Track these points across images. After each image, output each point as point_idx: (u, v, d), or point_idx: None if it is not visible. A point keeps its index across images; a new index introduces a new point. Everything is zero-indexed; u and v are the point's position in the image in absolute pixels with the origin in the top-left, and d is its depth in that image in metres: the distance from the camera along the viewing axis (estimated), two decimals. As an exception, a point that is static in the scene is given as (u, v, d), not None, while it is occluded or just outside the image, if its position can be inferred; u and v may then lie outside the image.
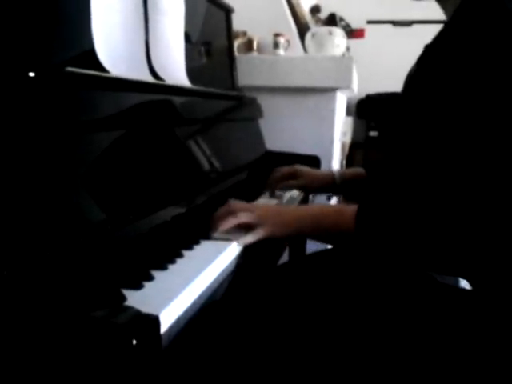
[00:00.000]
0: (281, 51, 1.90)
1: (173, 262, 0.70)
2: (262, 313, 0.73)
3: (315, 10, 2.58)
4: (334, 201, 1.90)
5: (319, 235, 0.86)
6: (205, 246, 0.79)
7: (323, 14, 2.59)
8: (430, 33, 0.87)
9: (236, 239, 0.81)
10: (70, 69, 0.78)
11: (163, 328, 0.54)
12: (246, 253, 0.83)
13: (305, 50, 2.01)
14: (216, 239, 0.82)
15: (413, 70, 0.86)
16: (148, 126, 0.90)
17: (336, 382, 0.66)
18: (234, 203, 0.89)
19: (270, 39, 1.92)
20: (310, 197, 1.42)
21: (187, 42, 1.22)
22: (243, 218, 0.83)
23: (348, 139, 2.59)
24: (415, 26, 3.60)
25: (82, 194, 0.68)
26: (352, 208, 0.78)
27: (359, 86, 2.23)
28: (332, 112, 1.86)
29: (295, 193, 1.30)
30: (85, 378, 0.45)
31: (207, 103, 1.24)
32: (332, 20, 2.42)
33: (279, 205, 1.18)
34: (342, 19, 2.54)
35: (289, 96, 1.85)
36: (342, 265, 0.85)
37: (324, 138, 1.86)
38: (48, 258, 0.56)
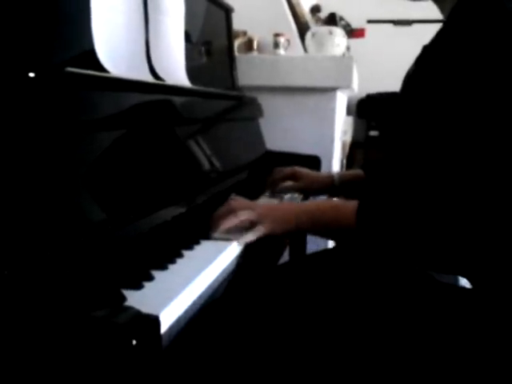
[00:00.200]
0: (281, 51, 1.90)
1: (173, 261, 0.70)
2: (262, 313, 0.73)
3: (315, 9, 2.57)
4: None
5: (319, 231, 0.86)
6: (205, 246, 0.79)
7: (323, 14, 2.58)
8: (431, 32, 0.87)
9: (236, 238, 0.81)
10: (70, 69, 0.78)
11: (163, 328, 0.54)
12: (247, 252, 0.83)
13: (305, 49, 2.01)
14: (216, 239, 0.82)
15: (411, 71, 0.86)
16: (148, 126, 0.91)
17: (336, 381, 0.66)
18: (235, 201, 0.89)
19: (270, 39, 1.92)
20: (310, 198, 1.42)
21: (187, 41, 1.22)
22: (243, 216, 0.83)
23: (348, 139, 2.59)
24: (416, 26, 3.60)
25: (83, 193, 0.68)
26: (352, 203, 0.78)
27: (359, 85, 2.23)
28: (332, 112, 1.86)
29: (295, 194, 1.30)
30: (85, 378, 0.45)
31: (207, 103, 1.24)
32: (332, 19, 2.41)
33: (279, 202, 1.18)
34: (342, 19, 2.54)
35: (289, 96, 1.85)
36: (343, 265, 0.85)
37: (324, 138, 1.86)
38: (48, 258, 0.56)
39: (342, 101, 2.10)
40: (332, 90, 1.84)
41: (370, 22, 3.46)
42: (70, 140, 0.69)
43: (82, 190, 0.68)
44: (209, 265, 0.71)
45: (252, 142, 1.56)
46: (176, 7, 1.18)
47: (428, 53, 0.82)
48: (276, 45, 1.89)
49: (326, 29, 2.00)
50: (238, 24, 1.71)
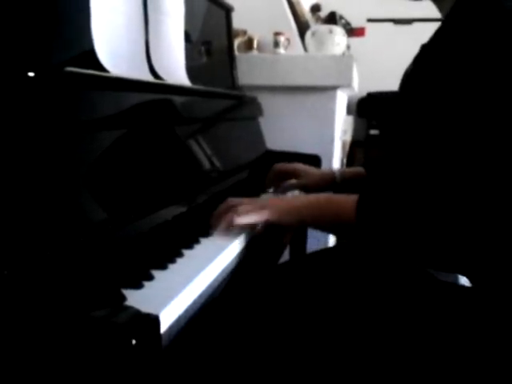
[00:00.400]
0: (281, 50, 1.90)
1: (173, 261, 0.70)
2: (262, 312, 0.73)
3: (315, 8, 2.57)
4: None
5: (320, 225, 0.86)
6: (205, 245, 0.79)
7: (323, 13, 2.58)
8: (431, 31, 0.87)
9: (237, 233, 0.81)
10: (69, 69, 0.78)
11: (163, 327, 0.54)
12: (247, 252, 0.83)
13: (305, 48, 2.01)
14: (216, 238, 0.82)
15: (409, 70, 0.86)
16: (148, 126, 0.91)
17: (337, 380, 0.66)
18: (232, 200, 0.89)
19: (270, 38, 1.92)
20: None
21: (187, 41, 1.22)
22: (243, 208, 0.83)
23: (349, 138, 2.59)
24: (416, 25, 3.59)
25: (83, 193, 0.68)
26: (353, 198, 0.78)
27: (360, 84, 2.23)
28: (332, 111, 1.86)
29: (296, 192, 1.30)
30: (85, 378, 0.45)
31: (207, 102, 1.24)
32: (332, 18, 2.41)
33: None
34: (342, 17, 2.54)
35: (289, 95, 1.85)
36: (343, 263, 0.85)
37: (324, 137, 1.86)
38: (48, 258, 0.56)
39: (342, 100, 2.09)
40: (332, 89, 1.84)
41: (370, 20, 3.46)
42: (71, 140, 0.69)
43: (82, 189, 0.68)
44: (209, 264, 0.71)
45: (252, 142, 1.56)
46: (176, 7, 1.18)
47: (426, 52, 0.82)
48: (276, 44, 1.89)
49: (326, 28, 2.00)
50: (237, 23, 1.71)
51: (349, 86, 1.83)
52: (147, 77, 1.03)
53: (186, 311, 0.61)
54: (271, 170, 1.27)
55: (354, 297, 0.74)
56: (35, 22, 0.75)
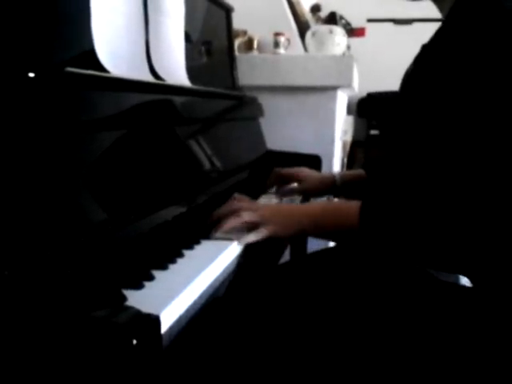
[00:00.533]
0: (281, 50, 1.90)
1: (173, 261, 0.70)
2: (263, 312, 0.73)
3: (315, 8, 2.57)
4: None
5: (322, 234, 0.86)
6: (205, 246, 0.79)
7: (323, 13, 2.58)
8: (431, 31, 0.87)
9: (238, 238, 0.81)
10: (70, 69, 0.78)
11: (164, 328, 0.54)
12: (247, 252, 0.83)
13: (305, 48, 2.01)
14: (217, 238, 0.82)
15: (410, 70, 0.86)
16: (149, 126, 0.91)
17: (337, 380, 0.66)
18: (239, 198, 0.89)
19: (270, 38, 1.92)
20: (311, 198, 1.42)
21: (187, 41, 1.22)
22: (246, 216, 0.83)
23: (349, 138, 2.59)
24: (416, 25, 3.59)
25: (83, 193, 0.68)
26: (354, 204, 0.78)
27: (360, 84, 2.23)
28: (333, 111, 1.86)
29: (296, 196, 1.30)
30: (85, 378, 0.45)
31: (208, 103, 1.24)
32: (332, 18, 2.41)
33: (280, 204, 1.18)
34: (342, 18, 2.54)
35: (289, 95, 1.85)
36: (343, 264, 0.85)
37: (325, 137, 1.86)
38: (49, 258, 0.56)
39: (342, 100, 2.09)
40: (332, 89, 1.84)
41: (370, 21, 3.46)
42: (71, 140, 0.69)
43: (82, 190, 0.68)
44: (209, 264, 0.71)
45: (252, 142, 1.56)
46: (176, 7, 1.18)
47: (427, 52, 0.82)
48: (276, 44, 1.89)
49: (326, 28, 2.00)
50: (238, 23, 1.71)
51: (349, 86, 1.83)
52: (147, 77, 1.03)
53: (187, 311, 0.61)
54: (272, 173, 1.27)
55: (355, 297, 0.74)
56: (35, 23, 0.75)
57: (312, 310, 0.72)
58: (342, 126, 2.14)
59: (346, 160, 2.49)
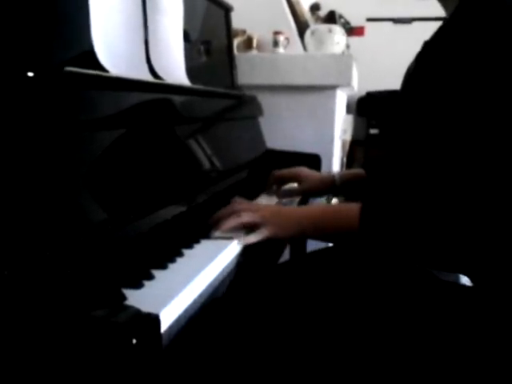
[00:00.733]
0: (280, 49, 1.90)
1: (173, 260, 0.70)
2: (262, 312, 0.73)
3: (315, 7, 2.57)
4: (334, 202, 1.90)
5: (322, 236, 0.86)
6: (205, 245, 0.79)
7: (323, 12, 2.58)
8: (430, 30, 0.87)
9: (238, 238, 0.81)
10: (69, 68, 0.78)
11: (163, 327, 0.54)
12: (247, 251, 0.83)
13: (304, 47, 2.01)
14: (217, 238, 0.82)
15: (411, 67, 0.86)
16: (148, 126, 0.90)
17: (337, 380, 0.66)
18: (238, 202, 0.89)
19: (269, 37, 1.92)
20: (310, 198, 1.42)
21: (186, 40, 1.22)
22: (246, 217, 0.83)
23: (348, 137, 2.59)
24: (415, 24, 3.59)
25: (83, 193, 0.68)
26: (354, 206, 0.78)
27: (359, 83, 2.23)
28: (332, 110, 1.86)
29: (295, 197, 1.30)
30: (85, 378, 0.45)
31: (207, 102, 1.24)
32: (331, 18, 2.41)
33: (280, 204, 1.18)
34: (341, 17, 2.54)
35: (289, 94, 1.85)
36: (343, 263, 0.85)
37: (324, 136, 1.86)
38: (48, 258, 0.56)
39: (341, 99, 2.09)
40: (332, 88, 1.84)
41: (369, 20, 3.46)
42: (70, 140, 0.69)
43: (82, 189, 0.68)
44: (209, 264, 0.71)
45: (252, 141, 1.56)
46: (175, 6, 1.17)
47: (429, 49, 0.82)
48: (275, 43, 1.89)
49: (325, 27, 2.00)
50: (237, 23, 1.70)
51: (348, 85, 1.83)
52: (147, 76, 1.03)
53: (186, 311, 0.61)
54: (270, 175, 1.27)
55: (355, 296, 0.74)
56: (35, 22, 0.75)
57: (312, 309, 0.72)
58: (342, 125, 2.14)
59: (345, 159, 2.49)
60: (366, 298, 0.73)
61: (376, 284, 0.76)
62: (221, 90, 1.42)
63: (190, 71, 1.21)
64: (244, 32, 1.94)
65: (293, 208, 1.03)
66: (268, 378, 0.65)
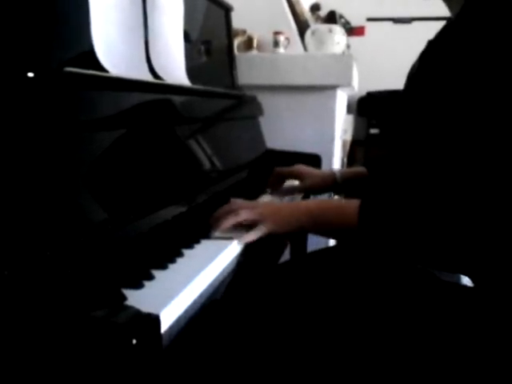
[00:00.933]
0: (281, 49, 1.90)
1: (173, 261, 0.70)
2: (263, 312, 0.73)
3: (315, 7, 2.57)
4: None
5: (321, 231, 0.87)
6: (205, 245, 0.79)
7: (323, 12, 2.59)
8: (431, 30, 0.86)
9: (237, 237, 0.81)
10: (69, 69, 0.78)
11: (164, 327, 0.54)
12: (247, 251, 0.83)
13: (305, 47, 2.01)
14: (217, 238, 0.82)
15: (415, 66, 0.85)
16: (148, 126, 0.90)
17: (337, 380, 0.66)
18: (236, 201, 0.89)
19: (269, 37, 1.92)
20: (311, 196, 1.42)
21: (187, 40, 1.22)
22: (244, 215, 0.83)
23: (349, 137, 2.59)
24: (415, 23, 3.60)
25: (83, 193, 0.68)
26: (354, 203, 0.78)
27: (360, 83, 2.23)
28: (332, 110, 1.86)
29: (297, 194, 1.30)
30: (85, 378, 0.45)
31: (207, 102, 1.24)
32: (332, 18, 2.42)
33: (279, 202, 1.18)
34: (341, 17, 2.54)
35: (289, 94, 1.85)
36: (344, 263, 0.84)
37: (324, 136, 1.86)
38: (48, 258, 0.56)
39: (342, 99, 2.09)
40: (332, 88, 1.84)
41: (369, 19, 3.46)
42: (70, 140, 0.69)
43: (82, 189, 0.68)
44: (209, 264, 0.71)
45: (252, 141, 1.56)
46: (175, 6, 1.17)
47: (434, 48, 0.81)
48: (276, 43, 1.89)
49: (325, 27, 2.00)
50: (237, 23, 1.70)
51: (349, 85, 1.83)
52: (147, 77, 1.03)
53: (187, 311, 0.61)
54: (272, 173, 1.27)
55: (356, 296, 0.74)
56: (34, 22, 0.75)
57: (312, 309, 0.72)
58: (342, 125, 2.14)
59: (345, 159, 2.49)
60: (366, 299, 0.73)
61: (377, 284, 0.76)
62: (221, 90, 1.42)
63: (190, 71, 1.21)
64: (244, 32, 1.94)
65: (291, 203, 1.03)
66: (268, 379, 0.65)
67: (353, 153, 2.92)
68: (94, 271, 0.61)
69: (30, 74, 0.66)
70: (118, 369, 0.45)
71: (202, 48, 1.39)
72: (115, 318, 0.47)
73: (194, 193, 1.00)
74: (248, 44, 1.94)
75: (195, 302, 0.64)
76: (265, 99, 1.69)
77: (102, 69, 0.88)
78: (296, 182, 1.28)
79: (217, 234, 0.82)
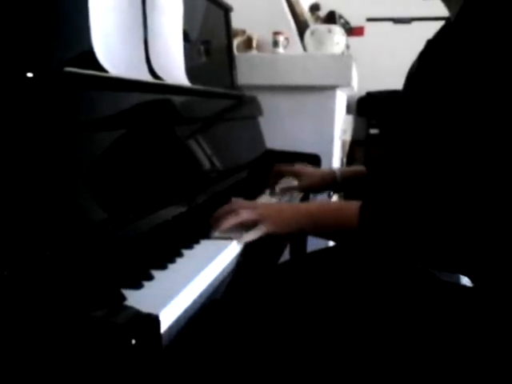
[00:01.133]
0: (280, 49, 1.90)
1: (173, 261, 0.70)
2: (262, 312, 0.73)
3: (314, 7, 2.57)
4: (334, 198, 1.90)
5: (322, 233, 0.86)
6: (205, 245, 0.79)
7: (322, 12, 2.59)
8: (430, 30, 0.86)
9: (237, 238, 0.81)
10: (68, 69, 0.78)
11: (163, 327, 0.54)
12: (247, 251, 0.83)
13: (304, 48, 2.01)
14: (216, 238, 0.82)
15: (415, 66, 0.85)
16: (148, 126, 0.90)
17: (337, 380, 0.66)
18: (236, 201, 0.89)
19: (269, 37, 1.92)
20: (311, 195, 1.42)
21: (186, 41, 1.22)
22: (244, 215, 0.83)
23: (348, 137, 2.59)
24: (415, 24, 3.60)
25: (82, 193, 0.68)
26: (354, 205, 0.78)
27: (359, 83, 2.23)
28: (332, 110, 1.86)
29: (296, 193, 1.30)
30: (84, 378, 0.45)
31: (207, 102, 1.24)
32: (331, 18, 2.42)
33: (279, 202, 1.18)
34: (341, 17, 2.54)
35: (288, 94, 1.85)
36: (343, 263, 0.85)
37: (324, 137, 1.86)
38: (48, 258, 0.56)
39: (341, 99, 2.10)
40: (331, 88, 1.84)
41: (369, 20, 3.46)
42: (69, 140, 0.69)
43: (81, 190, 0.68)
44: (209, 264, 0.71)
45: (252, 141, 1.56)
46: (174, 6, 1.17)
47: (433, 49, 0.81)
48: (275, 43, 1.89)
49: (325, 27, 2.00)
50: (236, 23, 1.71)
51: (348, 85, 1.83)
52: (146, 77, 1.03)
53: (186, 311, 0.61)
54: (272, 171, 1.27)
55: (355, 296, 0.74)
56: (34, 22, 0.75)
57: (312, 309, 0.72)
58: (342, 125, 2.14)
59: (345, 159, 2.49)
60: (366, 299, 0.73)
61: (376, 284, 0.76)
62: (220, 90, 1.42)
63: (190, 71, 1.21)
64: (244, 32, 1.94)
65: (292, 205, 1.03)
66: (268, 379, 0.65)
67: (352, 153, 2.92)
68: (94, 271, 0.61)
69: (30, 74, 0.66)
70: (117, 369, 0.45)
71: (202, 48, 1.39)
72: (115, 318, 0.47)
73: (193, 193, 1.00)
74: (247, 44, 1.94)
75: (195, 302, 0.64)
76: (264, 99, 1.69)
77: (102, 69, 0.88)
78: (295, 182, 1.28)
79: (216, 234, 0.82)
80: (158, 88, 1.03)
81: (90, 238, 0.65)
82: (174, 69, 1.17)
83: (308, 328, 0.69)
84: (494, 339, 0.67)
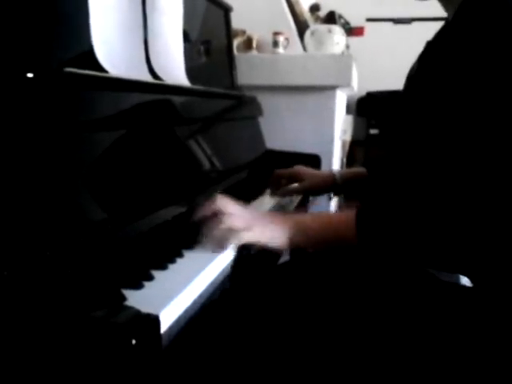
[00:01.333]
0: (280, 50, 1.90)
1: (173, 261, 0.70)
2: (262, 312, 0.73)
3: (314, 8, 2.57)
4: (334, 201, 1.90)
5: (314, 245, 0.83)
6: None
7: (322, 12, 2.59)
8: (430, 30, 0.86)
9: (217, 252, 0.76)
10: (68, 69, 0.78)
11: (163, 327, 0.54)
12: (247, 252, 0.83)
13: (304, 48, 2.01)
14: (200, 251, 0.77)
15: (414, 67, 0.85)
16: (148, 126, 0.90)
17: (337, 380, 0.66)
18: (224, 204, 0.82)
19: (269, 38, 1.92)
20: (311, 197, 1.42)
21: (186, 41, 1.22)
22: (228, 222, 0.77)
23: (348, 137, 2.59)
24: (415, 24, 3.60)
25: (82, 194, 0.68)
26: (349, 214, 0.77)
27: (359, 83, 2.23)
28: (332, 110, 1.86)
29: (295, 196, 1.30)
30: (84, 378, 0.45)
31: (207, 102, 1.24)
32: (331, 18, 2.42)
33: (279, 203, 1.18)
34: (341, 17, 2.54)
35: (288, 94, 1.85)
36: (343, 263, 0.84)
37: (324, 137, 1.86)
38: (48, 258, 0.56)
39: (341, 99, 2.10)
40: (331, 88, 1.84)
41: (369, 20, 3.46)
42: (70, 140, 0.69)
43: (81, 190, 0.68)
44: (209, 264, 0.71)
45: (252, 141, 1.56)
46: (174, 6, 1.17)
47: (432, 50, 0.81)
48: (275, 44, 1.89)
49: (325, 27, 2.00)
50: (236, 23, 1.70)
51: (348, 85, 1.83)
52: (146, 77, 1.03)
53: (186, 311, 0.61)
54: (272, 175, 1.27)
55: (355, 297, 0.74)
56: (34, 23, 0.75)
57: (312, 309, 0.72)
58: (342, 126, 2.14)
59: (345, 159, 2.49)
60: (366, 299, 0.73)
61: (376, 285, 0.76)
62: (220, 90, 1.42)
63: (190, 71, 1.21)
64: (244, 32, 1.94)
65: (280, 214, 0.98)
66: (268, 379, 0.65)
67: (352, 153, 2.92)
68: (94, 271, 0.61)
69: (30, 75, 0.66)
70: (117, 369, 0.45)
71: (202, 48, 1.39)
72: (115, 318, 0.47)
73: (193, 193, 1.00)
74: (247, 44, 1.94)
75: (195, 302, 0.64)
76: (264, 99, 1.69)
77: (102, 69, 0.88)
78: (295, 185, 1.28)
79: (199, 248, 0.77)
80: (158, 88, 1.03)
81: (91, 238, 0.65)
82: (174, 69, 1.17)
83: (308, 328, 0.69)
84: (493, 339, 0.67)
